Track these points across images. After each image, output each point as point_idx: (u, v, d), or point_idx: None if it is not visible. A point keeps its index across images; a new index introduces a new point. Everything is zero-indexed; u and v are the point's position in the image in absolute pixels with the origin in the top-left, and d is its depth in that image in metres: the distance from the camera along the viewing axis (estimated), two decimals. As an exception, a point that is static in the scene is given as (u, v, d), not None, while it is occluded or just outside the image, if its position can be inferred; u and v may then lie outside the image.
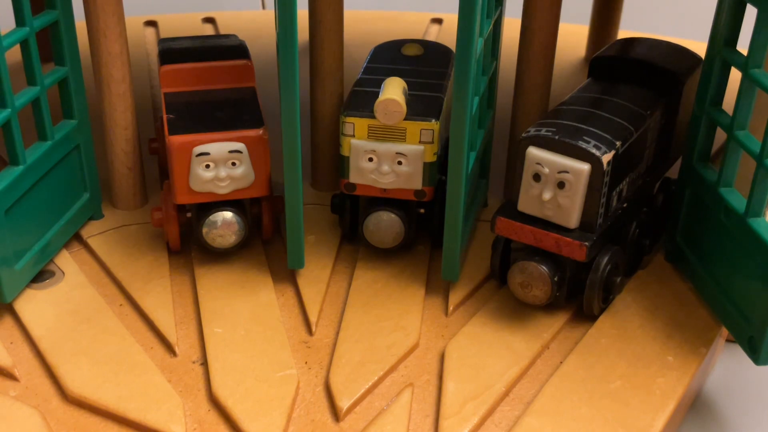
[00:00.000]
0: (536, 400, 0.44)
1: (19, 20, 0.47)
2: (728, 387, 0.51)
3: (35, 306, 0.49)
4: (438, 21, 0.84)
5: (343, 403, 0.43)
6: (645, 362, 0.46)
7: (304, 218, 0.49)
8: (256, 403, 0.43)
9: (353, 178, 0.50)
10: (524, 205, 0.47)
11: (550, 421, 0.43)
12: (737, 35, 0.46)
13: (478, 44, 0.44)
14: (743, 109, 0.45)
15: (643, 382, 0.45)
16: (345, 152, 0.50)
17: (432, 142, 0.49)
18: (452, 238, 0.48)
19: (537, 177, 0.46)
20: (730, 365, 0.52)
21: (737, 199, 0.46)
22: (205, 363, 0.46)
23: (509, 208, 0.48)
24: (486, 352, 0.46)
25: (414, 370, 0.46)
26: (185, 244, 0.53)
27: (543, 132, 0.46)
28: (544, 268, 0.46)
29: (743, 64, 0.44)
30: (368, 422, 0.43)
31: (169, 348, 0.47)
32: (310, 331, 0.48)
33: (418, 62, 0.54)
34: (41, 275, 0.51)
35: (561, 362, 0.46)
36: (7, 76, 0.46)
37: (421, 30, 0.82)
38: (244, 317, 0.48)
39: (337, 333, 0.48)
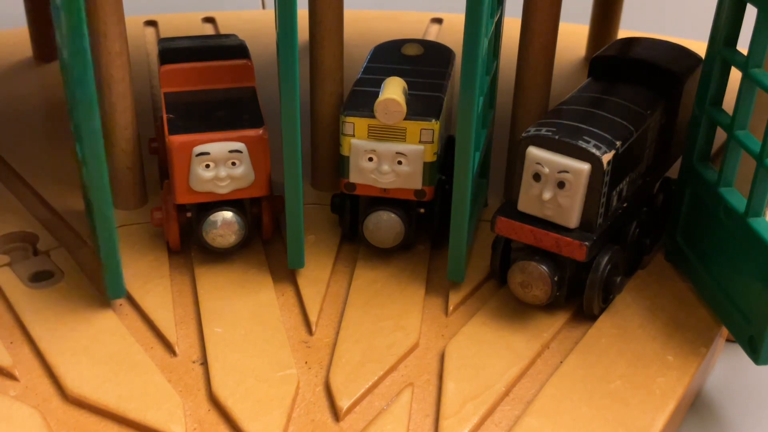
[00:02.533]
0: (536, 400, 0.44)
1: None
2: (728, 387, 0.51)
3: (35, 306, 0.49)
4: (438, 21, 0.84)
5: (343, 403, 0.43)
6: (645, 362, 0.46)
7: (304, 218, 0.49)
8: (256, 402, 0.43)
9: (353, 177, 0.50)
10: (524, 204, 0.47)
11: (550, 421, 0.43)
12: (737, 35, 0.46)
13: (484, 44, 0.44)
14: (743, 108, 0.45)
15: (643, 382, 0.45)
16: (345, 152, 0.50)
17: (432, 142, 0.49)
18: (458, 239, 0.48)
19: (537, 177, 0.46)
20: (730, 365, 0.52)
21: (737, 199, 0.46)
22: (205, 363, 0.46)
23: (509, 208, 0.48)
24: (486, 352, 0.46)
25: (414, 370, 0.46)
26: (185, 244, 0.53)
27: (543, 132, 0.46)
28: (544, 267, 0.46)
29: (743, 63, 0.44)
30: (368, 422, 0.43)
31: (169, 348, 0.47)
32: (310, 331, 0.48)
33: (418, 62, 0.54)
34: (41, 275, 0.51)
35: (561, 362, 0.46)
36: None
37: (421, 30, 0.82)
38: (244, 317, 0.48)
39: (337, 333, 0.48)
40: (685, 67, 0.52)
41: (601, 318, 0.49)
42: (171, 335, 0.47)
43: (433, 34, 0.81)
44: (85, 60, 0.41)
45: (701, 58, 0.51)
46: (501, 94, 0.55)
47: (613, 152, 0.45)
